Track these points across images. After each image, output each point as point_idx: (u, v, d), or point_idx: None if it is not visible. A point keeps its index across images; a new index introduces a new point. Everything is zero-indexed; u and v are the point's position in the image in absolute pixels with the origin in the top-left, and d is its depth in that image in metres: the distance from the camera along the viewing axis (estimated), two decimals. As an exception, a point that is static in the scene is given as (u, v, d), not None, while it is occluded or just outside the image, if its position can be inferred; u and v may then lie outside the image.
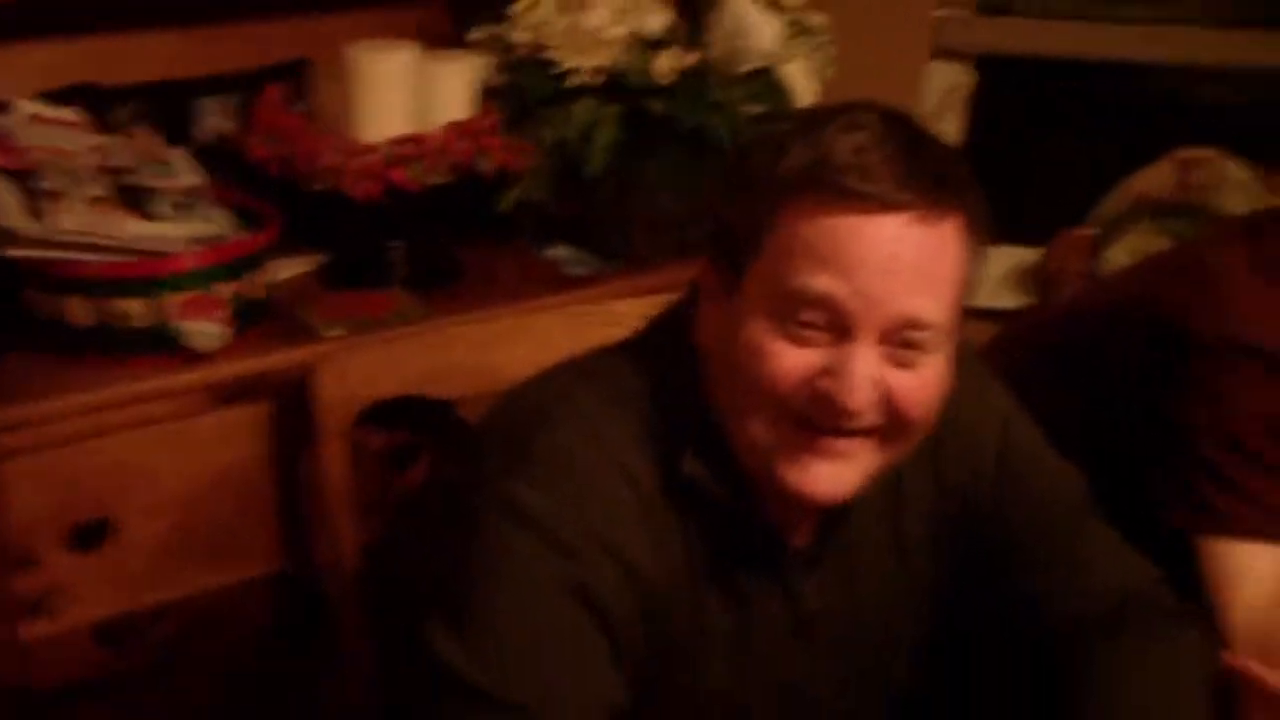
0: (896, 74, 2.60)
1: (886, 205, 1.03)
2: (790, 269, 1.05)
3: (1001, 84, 2.72)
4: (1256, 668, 1.30)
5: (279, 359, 1.68)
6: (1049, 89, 2.85)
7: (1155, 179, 2.48)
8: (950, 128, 2.66)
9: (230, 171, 1.89)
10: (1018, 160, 2.85)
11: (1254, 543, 1.36)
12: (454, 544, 1.13)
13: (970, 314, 1.15)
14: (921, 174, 1.04)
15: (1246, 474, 1.37)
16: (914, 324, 1.06)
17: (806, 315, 1.05)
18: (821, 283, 1.04)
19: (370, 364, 1.53)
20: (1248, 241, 1.46)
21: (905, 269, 1.04)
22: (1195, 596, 1.35)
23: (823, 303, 1.04)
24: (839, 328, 1.05)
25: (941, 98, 2.67)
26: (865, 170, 1.03)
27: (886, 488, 1.22)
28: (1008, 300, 2.57)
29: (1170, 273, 1.51)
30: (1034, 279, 2.53)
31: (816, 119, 1.09)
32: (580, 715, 1.07)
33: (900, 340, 1.06)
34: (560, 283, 1.92)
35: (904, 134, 1.07)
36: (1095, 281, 2.06)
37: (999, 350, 1.70)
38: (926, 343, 1.07)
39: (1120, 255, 2.34)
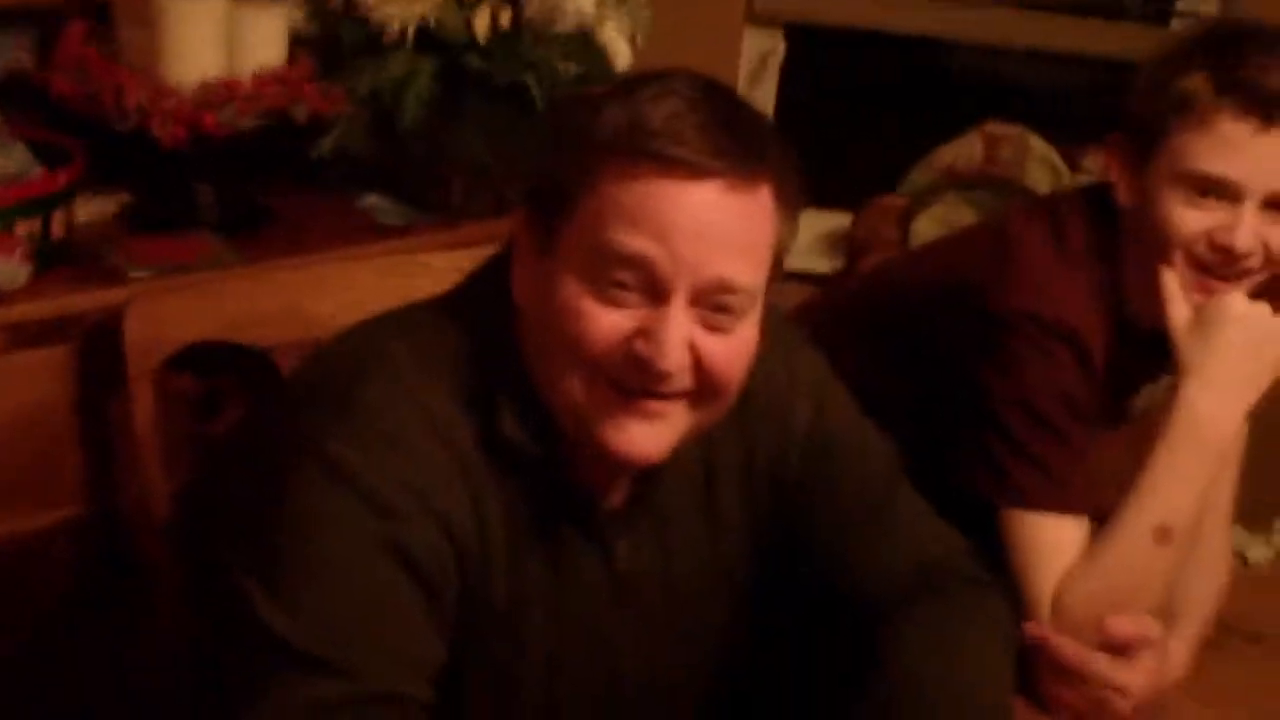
0: (711, 39, 2.65)
1: (698, 172, 1.06)
2: (604, 228, 1.07)
3: (814, 53, 2.79)
4: (1054, 637, 1.38)
5: (83, 300, 1.64)
6: (860, 58, 2.94)
7: (963, 151, 2.59)
8: (764, 93, 2.73)
9: (26, 107, 1.83)
10: (829, 126, 2.93)
11: (1052, 515, 1.43)
12: (267, 498, 1.11)
13: (780, 277, 1.19)
14: (734, 142, 1.07)
15: (1046, 447, 1.44)
16: (726, 287, 1.08)
17: (620, 275, 1.07)
18: (635, 243, 1.06)
19: (179, 308, 1.50)
20: (1048, 221, 1.54)
21: (718, 234, 1.07)
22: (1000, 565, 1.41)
23: (636, 263, 1.06)
24: (652, 290, 1.07)
25: (755, 64, 2.73)
26: (678, 136, 1.05)
27: (698, 454, 1.24)
28: (818, 264, 2.64)
29: (978, 247, 1.59)
30: (843, 244, 2.60)
31: (632, 83, 1.11)
32: (400, 673, 1.07)
33: (712, 304, 1.09)
34: (373, 232, 1.91)
35: (717, 102, 1.09)
36: (909, 251, 2.14)
37: (811, 315, 1.76)
38: (738, 306, 1.10)
39: (928, 224, 2.44)
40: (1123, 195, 1.51)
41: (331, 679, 1.05)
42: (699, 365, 1.10)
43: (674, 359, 1.08)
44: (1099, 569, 1.41)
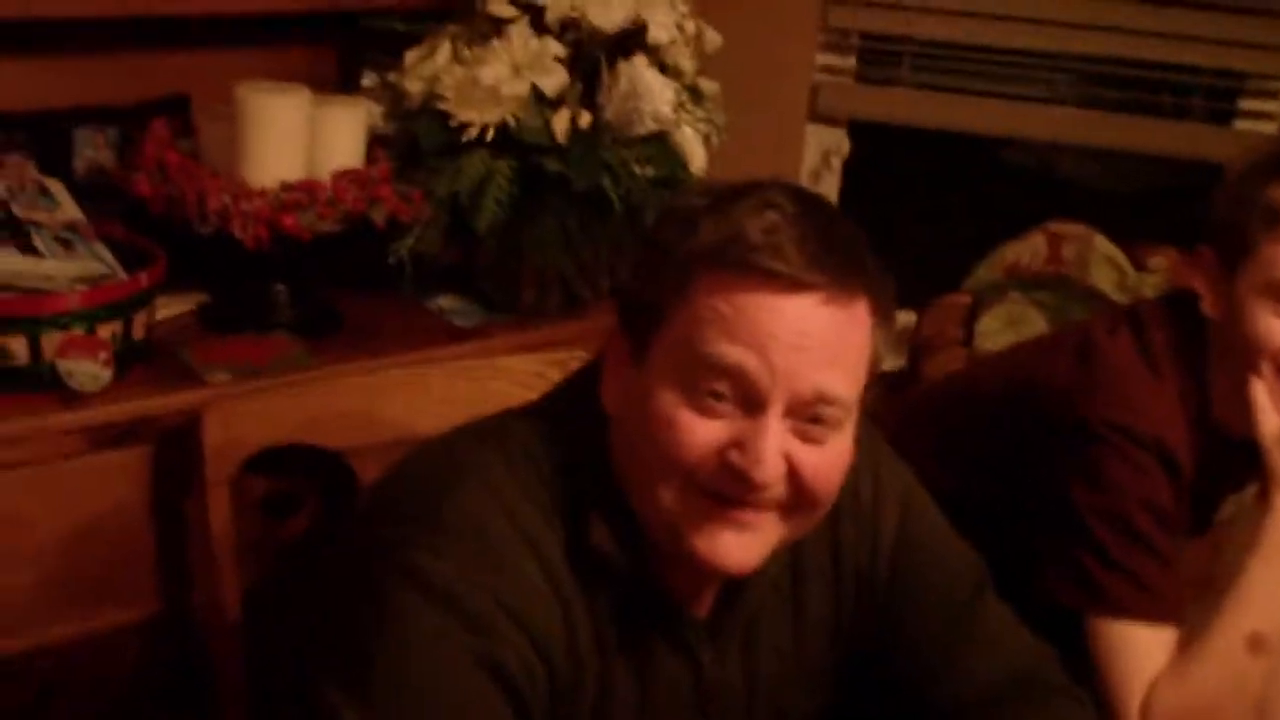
0: (776, 137, 2.67)
1: (798, 285, 1.05)
2: (701, 339, 1.06)
3: (877, 150, 2.80)
4: None
5: (161, 403, 1.65)
6: (924, 157, 2.95)
7: (1026, 250, 2.57)
8: (827, 190, 2.74)
9: (108, 206, 1.86)
10: (893, 224, 2.94)
11: (1143, 624, 1.42)
12: (354, 611, 1.10)
13: (874, 388, 1.18)
14: (831, 255, 1.07)
15: (1134, 557, 1.43)
16: (823, 398, 1.07)
17: (716, 385, 1.06)
18: (733, 353, 1.05)
19: (256, 411, 1.50)
20: (1133, 330, 1.54)
21: (815, 345, 1.06)
22: (1084, 670, 1.40)
23: (733, 373, 1.06)
24: (748, 400, 1.07)
25: (818, 162, 2.74)
26: (777, 249, 1.05)
27: (787, 563, 1.24)
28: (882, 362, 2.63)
29: (1061, 355, 1.57)
30: (906, 342, 2.60)
31: (728, 195, 1.11)
32: None
33: (808, 415, 1.08)
34: (446, 334, 1.92)
35: (814, 215, 1.09)
36: (986, 357, 2.12)
37: (888, 419, 1.75)
38: (834, 418, 1.09)
39: (992, 323, 2.42)
40: (1209, 306, 1.50)
41: None
42: (794, 476, 1.09)
43: (769, 470, 1.07)
44: (1191, 679, 1.40)
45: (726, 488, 1.08)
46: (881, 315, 1.12)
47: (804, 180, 2.75)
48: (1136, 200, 3.06)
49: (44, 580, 1.61)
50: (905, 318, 2.65)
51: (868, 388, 1.13)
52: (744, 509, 1.09)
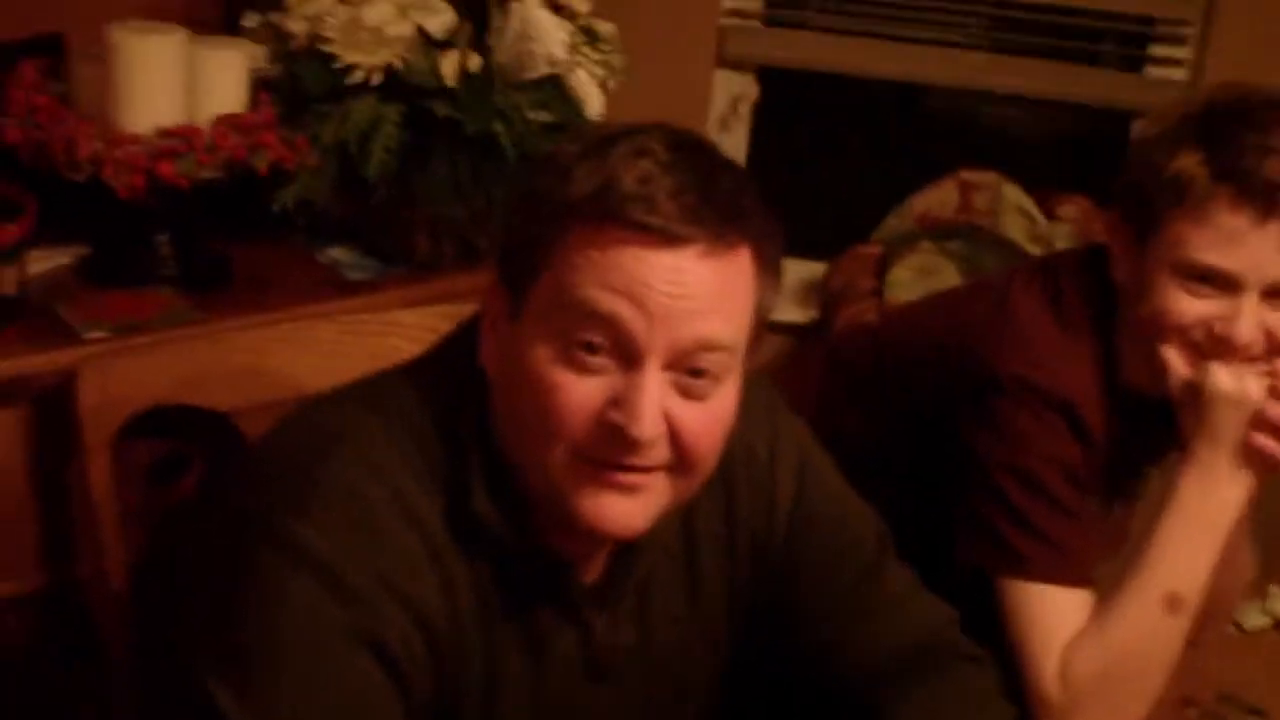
0: (682, 83, 2.62)
1: (672, 238, 1.02)
2: (574, 288, 1.03)
3: (786, 96, 2.77)
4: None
5: (36, 361, 1.59)
6: (833, 103, 2.92)
7: (937, 199, 2.57)
8: (736, 138, 2.69)
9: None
10: (802, 173, 2.91)
11: (1053, 585, 1.40)
12: (227, 581, 1.06)
13: (761, 339, 1.14)
14: (709, 206, 1.03)
15: (1047, 517, 1.41)
16: (704, 345, 1.04)
17: (590, 336, 1.03)
18: (606, 299, 1.02)
19: (135, 370, 1.45)
20: (1048, 286, 1.51)
21: (693, 295, 1.03)
22: (991, 628, 1.39)
23: (607, 322, 1.02)
24: (624, 353, 1.03)
25: (727, 108, 2.70)
26: (650, 201, 1.02)
27: (678, 524, 1.21)
28: (792, 314, 2.61)
29: (978, 308, 1.55)
30: (818, 294, 2.57)
31: (603, 142, 1.07)
32: None
33: (689, 367, 1.05)
34: (339, 287, 1.87)
35: (692, 162, 1.05)
36: (905, 306, 2.10)
37: (808, 370, 1.74)
38: (715, 369, 1.06)
39: (903, 273, 2.41)
40: (1120, 272, 1.47)
41: None
42: (675, 435, 1.06)
43: (648, 426, 1.03)
44: (1109, 640, 1.38)
45: (607, 449, 1.05)
46: (765, 263, 1.09)
47: (712, 128, 2.72)
48: (1056, 148, 3.05)
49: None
50: (817, 269, 2.64)
51: (755, 339, 1.11)
52: (629, 473, 1.06)
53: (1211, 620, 1.57)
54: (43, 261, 1.76)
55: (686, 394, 1.05)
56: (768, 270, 1.09)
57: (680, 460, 1.07)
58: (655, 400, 1.03)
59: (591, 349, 1.03)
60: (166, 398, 1.44)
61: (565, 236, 1.04)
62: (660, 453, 1.06)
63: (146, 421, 1.45)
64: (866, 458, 1.39)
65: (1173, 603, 1.39)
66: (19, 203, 1.67)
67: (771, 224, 1.09)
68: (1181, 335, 1.41)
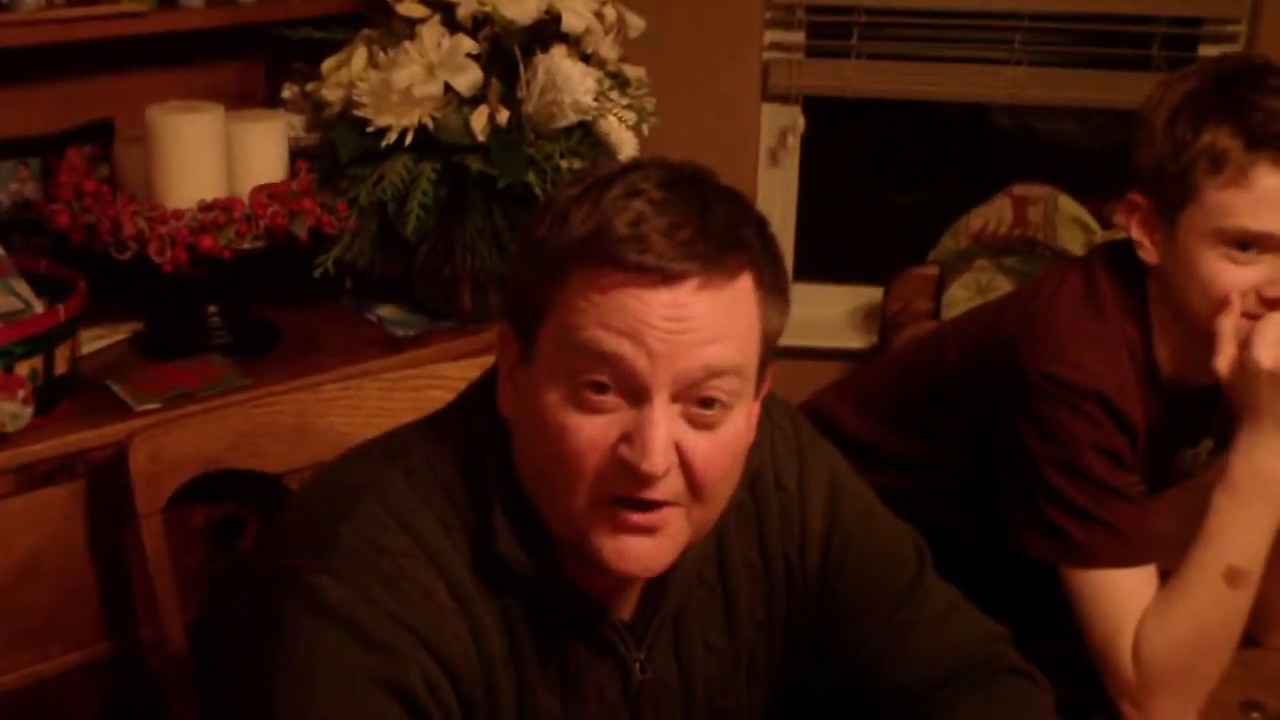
0: (731, 120, 2.63)
1: (668, 276, 1.02)
2: (577, 327, 1.04)
3: (832, 125, 2.76)
4: None
5: (91, 437, 1.62)
6: (881, 128, 2.90)
7: (992, 215, 2.54)
8: (786, 170, 2.69)
9: (37, 240, 1.83)
10: (855, 200, 2.89)
11: (1120, 569, 1.41)
12: (258, 640, 1.08)
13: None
14: (703, 238, 1.03)
15: (1099, 502, 1.42)
16: (712, 372, 1.04)
17: (596, 375, 1.03)
18: (608, 340, 1.02)
19: (187, 437, 1.47)
20: (1083, 277, 1.51)
21: (693, 328, 1.03)
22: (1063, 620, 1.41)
23: (610, 361, 1.02)
24: (631, 390, 1.03)
25: (775, 141, 2.70)
26: (644, 241, 1.02)
27: (710, 553, 1.21)
28: (851, 340, 2.59)
29: (1013, 309, 1.55)
30: (876, 319, 2.55)
31: (598, 183, 1.07)
32: None
33: (699, 397, 1.05)
34: (387, 344, 1.89)
35: (685, 196, 1.05)
36: (945, 323, 2.09)
37: (849, 392, 1.73)
38: (724, 395, 1.05)
39: (960, 293, 2.39)
40: (1149, 254, 1.46)
41: None
42: (687, 465, 1.05)
43: (660, 460, 1.03)
44: (1175, 617, 1.39)
45: (622, 486, 1.05)
46: (768, 286, 1.08)
47: (762, 161, 2.72)
48: (1111, 157, 3.00)
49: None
50: (874, 294, 2.62)
51: (764, 363, 1.10)
52: (647, 512, 1.06)
53: (1278, 624, 1.57)
54: (98, 339, 1.80)
55: (697, 424, 1.05)
56: (771, 293, 1.09)
57: (693, 491, 1.07)
58: (664, 434, 1.03)
59: (599, 389, 1.04)
60: (218, 463, 1.47)
61: (566, 280, 1.05)
62: (673, 485, 1.06)
63: (203, 486, 1.48)
64: (909, 473, 1.40)
65: (1234, 577, 1.39)
66: (69, 283, 1.70)
67: (773, 247, 1.09)
68: (1230, 305, 1.40)
